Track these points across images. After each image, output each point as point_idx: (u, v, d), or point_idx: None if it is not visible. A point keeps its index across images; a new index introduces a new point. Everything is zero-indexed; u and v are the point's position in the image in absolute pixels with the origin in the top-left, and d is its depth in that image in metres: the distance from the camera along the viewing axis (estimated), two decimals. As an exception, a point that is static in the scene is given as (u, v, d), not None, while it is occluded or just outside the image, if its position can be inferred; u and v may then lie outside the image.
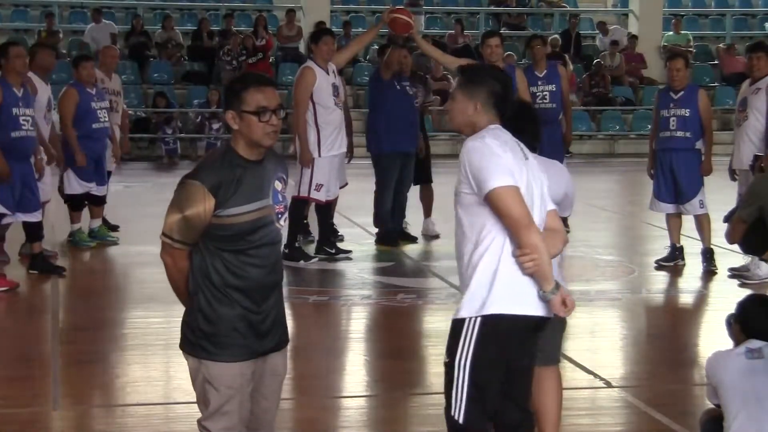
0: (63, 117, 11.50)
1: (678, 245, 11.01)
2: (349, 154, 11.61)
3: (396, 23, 10.84)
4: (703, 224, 10.74)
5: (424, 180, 12.51)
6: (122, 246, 12.06)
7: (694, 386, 7.31)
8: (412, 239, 12.21)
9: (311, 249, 11.39)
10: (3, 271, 10.04)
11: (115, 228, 12.72)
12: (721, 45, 27.33)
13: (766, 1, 29.46)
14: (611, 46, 25.73)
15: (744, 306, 5.34)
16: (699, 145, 10.69)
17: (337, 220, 12.18)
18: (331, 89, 10.84)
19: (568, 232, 10.21)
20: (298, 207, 10.84)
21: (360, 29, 24.12)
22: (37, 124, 10.29)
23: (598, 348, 8.41)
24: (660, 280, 10.77)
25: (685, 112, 10.63)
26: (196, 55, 24.57)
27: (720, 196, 11.22)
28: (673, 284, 10.59)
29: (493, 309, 4.49)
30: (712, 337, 7.88)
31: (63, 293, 9.90)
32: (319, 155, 10.80)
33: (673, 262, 10.97)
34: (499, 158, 4.47)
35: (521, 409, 4.74)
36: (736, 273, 10.40)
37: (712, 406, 5.37)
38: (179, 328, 4.57)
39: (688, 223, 11.13)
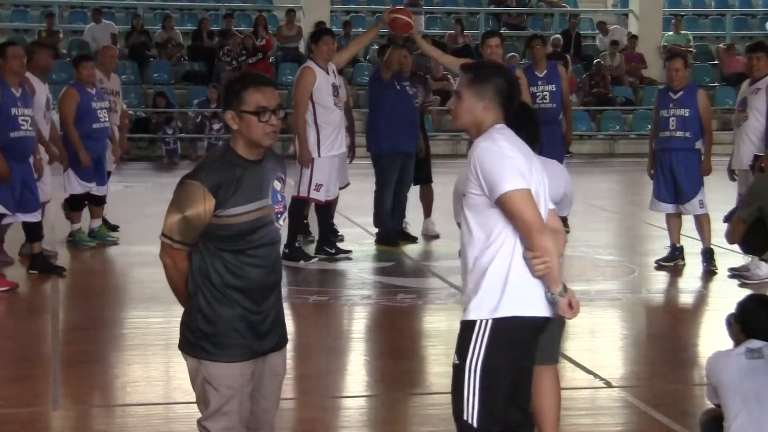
0: (64, 117, 11.48)
1: (678, 245, 11.01)
2: (351, 154, 11.61)
3: (396, 23, 10.84)
4: (703, 224, 10.74)
5: (424, 180, 12.51)
6: (122, 246, 12.06)
7: (694, 386, 7.31)
8: (412, 239, 12.21)
9: (311, 249, 11.38)
10: (3, 271, 10.04)
11: (115, 228, 12.72)
12: (721, 45, 27.33)
13: (766, 1, 29.45)
14: (611, 46, 25.72)
15: (744, 306, 5.34)
16: (699, 145, 10.69)
17: (337, 220, 12.18)
18: (330, 89, 10.83)
19: (567, 231, 10.25)
20: (298, 207, 10.83)
21: (360, 29, 24.11)
22: (36, 124, 10.30)
23: (598, 348, 8.41)
24: (660, 280, 10.76)
25: (685, 112, 10.63)
26: (196, 55, 24.57)
27: (720, 196, 11.22)
28: (673, 284, 10.58)
29: (505, 311, 4.47)
30: (712, 337, 7.87)
31: (63, 293, 9.90)
32: (319, 155, 10.79)
33: (673, 262, 10.96)
34: (511, 160, 4.43)
35: (522, 410, 4.74)
36: (736, 273, 10.39)
37: (712, 406, 5.37)
38: (179, 329, 4.57)
39: (688, 223, 11.12)
